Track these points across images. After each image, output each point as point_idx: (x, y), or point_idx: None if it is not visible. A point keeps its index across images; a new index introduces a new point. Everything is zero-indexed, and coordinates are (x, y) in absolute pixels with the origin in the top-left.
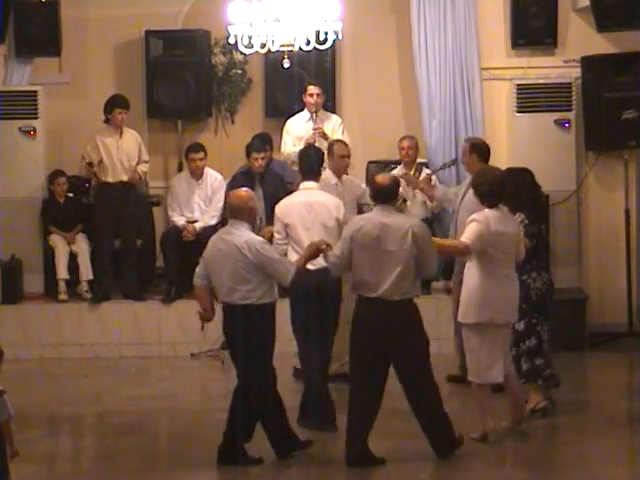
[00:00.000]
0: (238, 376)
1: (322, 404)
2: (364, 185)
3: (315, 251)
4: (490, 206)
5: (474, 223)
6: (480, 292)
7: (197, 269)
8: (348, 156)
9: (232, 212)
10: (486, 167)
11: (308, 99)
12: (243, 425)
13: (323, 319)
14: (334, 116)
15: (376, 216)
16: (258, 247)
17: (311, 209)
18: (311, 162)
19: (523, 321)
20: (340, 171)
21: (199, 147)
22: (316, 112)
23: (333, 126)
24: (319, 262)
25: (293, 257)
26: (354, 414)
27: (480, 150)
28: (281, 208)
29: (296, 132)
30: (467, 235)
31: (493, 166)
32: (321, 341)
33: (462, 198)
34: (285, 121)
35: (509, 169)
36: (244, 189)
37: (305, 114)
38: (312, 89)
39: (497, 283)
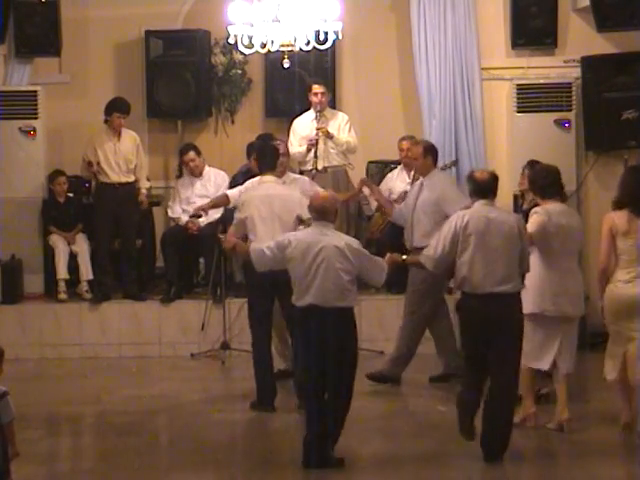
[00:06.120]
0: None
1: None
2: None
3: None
4: (547, 197)
5: (536, 215)
6: (536, 283)
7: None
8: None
9: (318, 214)
10: (540, 164)
11: (312, 98)
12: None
13: (284, 312)
14: (340, 114)
15: (480, 211)
16: (357, 247)
17: (268, 202)
18: (267, 157)
19: None
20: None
21: (189, 147)
22: (321, 111)
23: (339, 124)
24: None
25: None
26: (467, 397)
27: (435, 153)
28: (240, 201)
29: (302, 132)
30: (530, 225)
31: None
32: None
33: (416, 200)
34: (292, 121)
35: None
36: (325, 190)
37: (311, 113)
38: (316, 88)
39: (555, 276)
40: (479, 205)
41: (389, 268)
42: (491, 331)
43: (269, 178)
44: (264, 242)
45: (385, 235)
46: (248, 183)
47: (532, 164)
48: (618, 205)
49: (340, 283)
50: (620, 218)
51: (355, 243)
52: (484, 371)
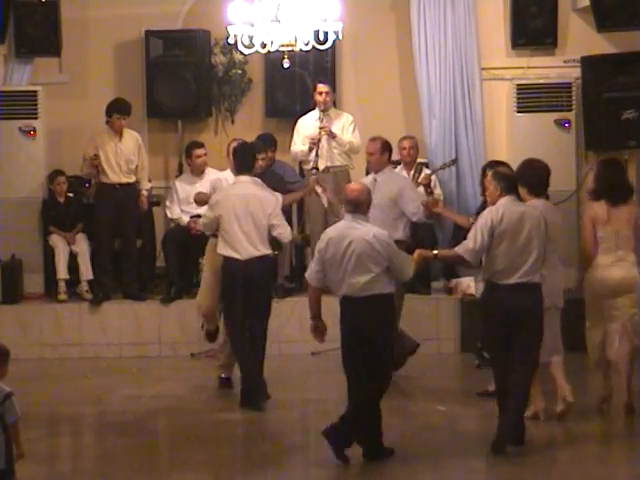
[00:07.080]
0: (361, 370)
1: (255, 387)
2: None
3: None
4: (538, 195)
5: None
6: None
7: (309, 268)
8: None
9: (353, 206)
10: (530, 159)
11: (317, 97)
12: (370, 418)
13: (253, 308)
14: (345, 114)
15: (511, 206)
16: (386, 240)
17: (245, 201)
18: (244, 158)
19: None
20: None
21: (199, 143)
22: (325, 110)
23: (343, 124)
24: (250, 252)
25: (222, 247)
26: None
27: (390, 151)
28: (215, 199)
29: (306, 131)
30: None
31: (534, 158)
32: (253, 329)
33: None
34: (296, 120)
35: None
36: (359, 183)
37: (315, 113)
38: (321, 87)
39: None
40: (508, 200)
41: (418, 264)
42: (515, 323)
43: (245, 178)
44: (238, 240)
45: None
46: (222, 182)
47: (492, 165)
48: (594, 196)
49: (369, 274)
50: (600, 208)
51: (384, 235)
52: (507, 369)
